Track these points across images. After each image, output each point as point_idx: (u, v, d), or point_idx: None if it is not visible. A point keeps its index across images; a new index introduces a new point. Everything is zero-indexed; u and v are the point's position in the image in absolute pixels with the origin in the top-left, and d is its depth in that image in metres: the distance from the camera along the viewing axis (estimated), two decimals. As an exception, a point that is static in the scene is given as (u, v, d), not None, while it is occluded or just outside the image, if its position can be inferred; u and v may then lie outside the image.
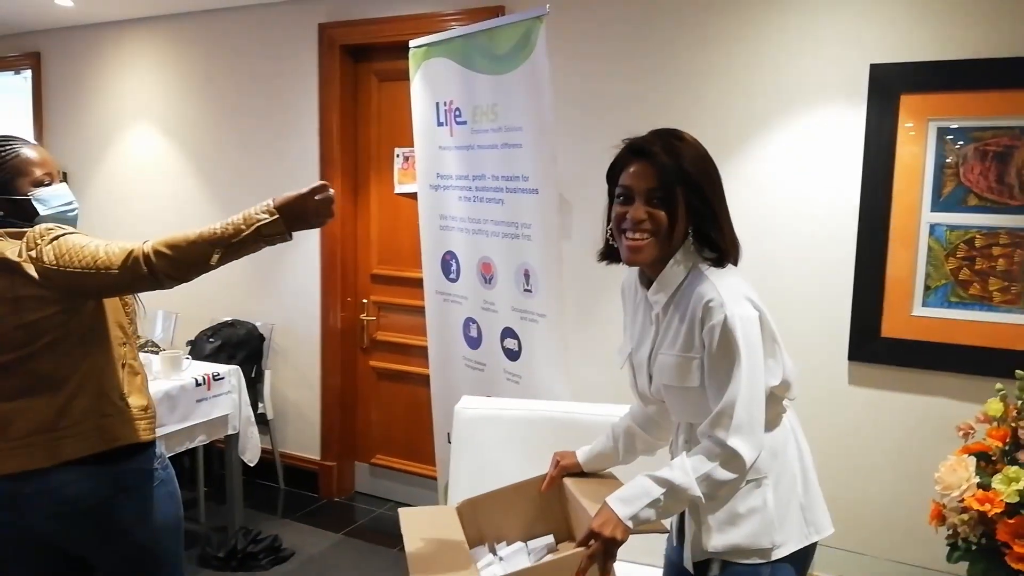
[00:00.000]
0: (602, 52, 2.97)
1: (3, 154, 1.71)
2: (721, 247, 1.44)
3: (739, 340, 1.35)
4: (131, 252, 1.58)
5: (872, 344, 2.59)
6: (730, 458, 1.35)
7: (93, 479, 1.66)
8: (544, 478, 1.75)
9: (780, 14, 2.66)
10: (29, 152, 1.74)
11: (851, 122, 2.58)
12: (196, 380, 2.96)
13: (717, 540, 1.45)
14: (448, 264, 3.05)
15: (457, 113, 2.84)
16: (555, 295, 2.59)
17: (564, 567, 1.40)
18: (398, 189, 3.60)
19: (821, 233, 2.66)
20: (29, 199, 1.71)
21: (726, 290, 1.39)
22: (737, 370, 1.35)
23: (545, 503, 1.75)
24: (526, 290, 2.68)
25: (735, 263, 1.47)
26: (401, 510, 1.76)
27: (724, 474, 1.36)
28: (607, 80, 2.96)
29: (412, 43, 2.97)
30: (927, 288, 2.53)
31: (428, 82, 2.95)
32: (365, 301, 3.80)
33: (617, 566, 2.06)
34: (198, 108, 4.07)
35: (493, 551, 1.73)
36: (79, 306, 1.66)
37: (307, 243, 3.78)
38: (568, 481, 1.70)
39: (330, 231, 3.70)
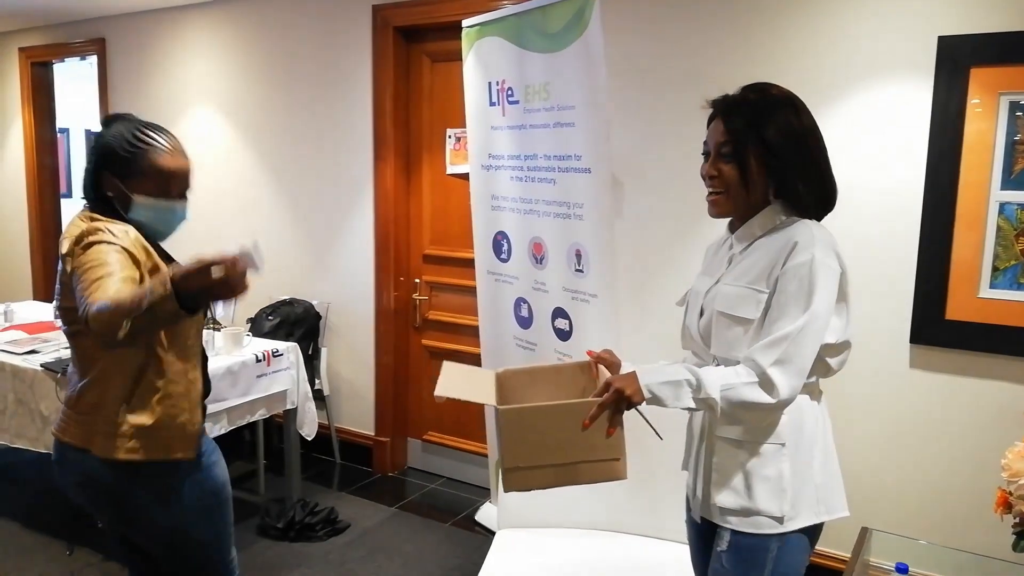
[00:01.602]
0: (657, 27, 2.92)
1: (142, 144, 1.69)
2: (805, 203, 1.45)
3: (817, 284, 1.36)
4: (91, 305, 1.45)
5: (936, 327, 2.52)
6: (763, 384, 1.36)
7: (107, 464, 1.66)
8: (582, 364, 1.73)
9: (843, -14, 2.58)
10: (167, 160, 1.71)
11: (917, 97, 2.49)
12: (256, 356, 3.04)
13: (726, 498, 1.47)
14: (499, 244, 3.06)
15: (509, 92, 2.84)
16: (607, 275, 2.58)
17: (577, 411, 1.43)
18: (450, 170, 3.62)
19: (884, 212, 2.58)
20: (140, 201, 1.68)
21: (820, 238, 1.40)
22: (804, 311, 1.36)
23: (582, 391, 1.71)
24: (577, 270, 2.67)
25: (822, 216, 1.48)
26: (445, 362, 1.81)
27: (750, 395, 1.36)
28: (662, 56, 2.91)
29: (465, 23, 2.97)
30: (995, 269, 2.44)
31: (481, 62, 2.94)
32: (417, 281, 3.85)
33: (640, 542, 2.08)
34: (255, 90, 4.15)
35: None
36: None
37: (361, 223, 3.83)
38: (604, 369, 1.67)
39: (383, 212, 3.75)
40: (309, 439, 3.37)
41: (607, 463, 1.45)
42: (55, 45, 5.06)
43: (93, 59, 4.91)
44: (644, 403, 1.41)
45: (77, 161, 7.80)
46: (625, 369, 1.69)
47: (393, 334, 3.85)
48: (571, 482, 1.47)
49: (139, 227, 1.69)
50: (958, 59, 2.40)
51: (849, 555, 2.07)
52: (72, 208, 6.89)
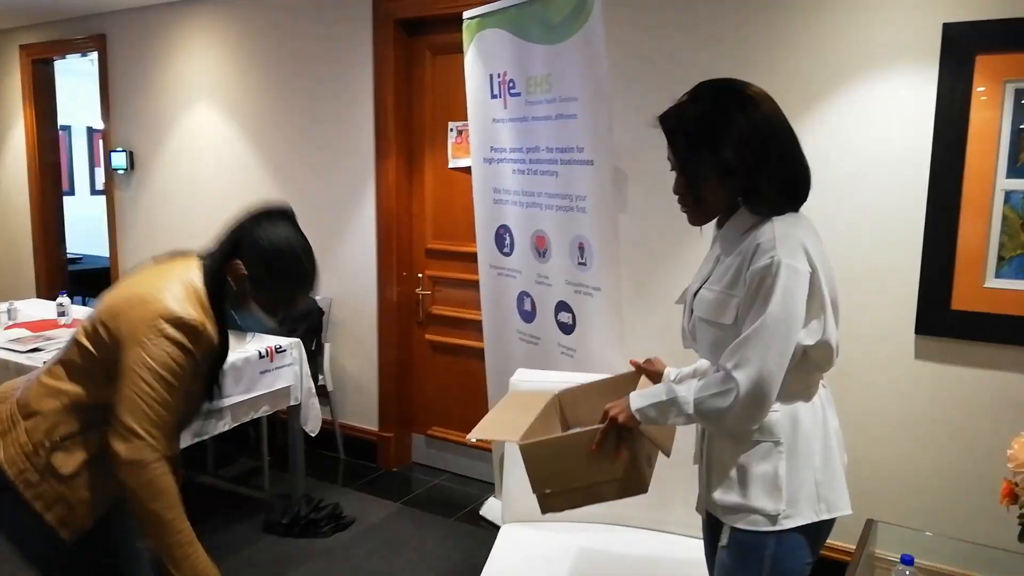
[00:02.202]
0: (661, 18, 2.90)
1: (298, 271, 1.62)
2: (774, 201, 1.42)
3: (777, 287, 1.35)
4: (140, 460, 1.45)
5: (941, 317, 2.50)
6: (727, 388, 1.37)
7: None
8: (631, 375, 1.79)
9: (846, -26, 2.56)
10: (303, 299, 1.68)
11: (922, 85, 2.47)
12: (260, 352, 3.04)
13: (721, 494, 1.49)
14: (502, 238, 3.05)
15: (511, 85, 2.82)
16: (610, 268, 2.57)
17: (584, 440, 1.54)
18: (452, 164, 3.61)
19: (888, 201, 2.57)
20: (251, 305, 1.61)
21: (784, 238, 1.37)
22: (763, 313, 1.35)
23: None
24: (580, 263, 2.66)
25: (795, 209, 1.45)
26: (513, 391, 1.93)
27: (719, 403, 1.38)
28: (666, 47, 2.90)
29: (466, 14, 2.96)
30: (1001, 259, 2.42)
31: (482, 54, 2.93)
32: (420, 275, 3.84)
33: (658, 537, 2.11)
34: (257, 86, 4.14)
35: None
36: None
37: (363, 219, 3.83)
38: (644, 380, 1.76)
39: (385, 206, 3.74)
40: (313, 435, 3.37)
41: (623, 482, 1.55)
42: (56, 42, 5.05)
43: (94, 56, 4.90)
44: (640, 425, 1.48)
45: (79, 158, 7.81)
46: (669, 375, 1.74)
47: (396, 329, 3.85)
48: (598, 501, 1.59)
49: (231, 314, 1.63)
50: (963, 46, 2.38)
51: (854, 547, 2.06)
52: (75, 207, 6.87)
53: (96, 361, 1.53)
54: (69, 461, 1.53)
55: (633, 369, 1.78)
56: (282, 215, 1.63)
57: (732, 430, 1.44)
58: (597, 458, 1.52)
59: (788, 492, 1.43)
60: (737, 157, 1.39)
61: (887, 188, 2.56)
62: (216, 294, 1.58)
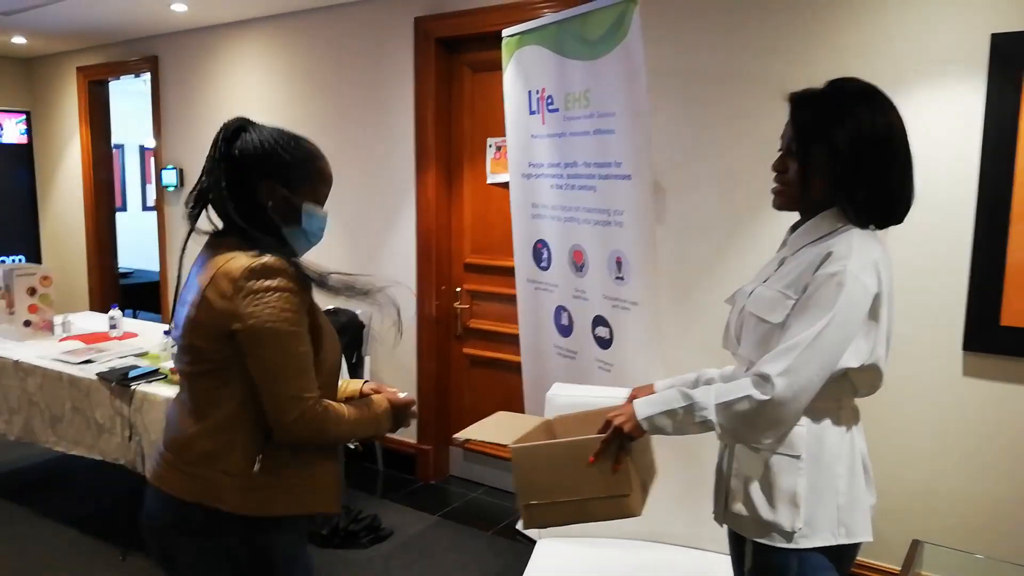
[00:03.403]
0: (699, 30, 2.90)
1: (304, 149, 1.55)
2: (865, 211, 1.39)
3: (841, 297, 1.31)
4: (308, 398, 1.42)
5: (990, 333, 2.44)
6: (761, 393, 1.31)
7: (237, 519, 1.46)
8: None
9: (889, -15, 2.52)
10: (327, 165, 1.60)
11: (969, 95, 2.42)
12: (300, 365, 3.08)
13: (740, 506, 1.45)
14: (539, 252, 3.06)
15: (549, 101, 2.84)
16: (648, 282, 2.56)
17: (583, 448, 1.45)
18: (491, 179, 3.64)
19: (935, 215, 2.51)
20: (304, 209, 1.51)
21: (860, 252, 1.34)
22: (821, 321, 1.31)
23: None
24: (618, 278, 2.66)
25: (883, 226, 1.42)
26: (499, 412, 1.86)
27: (746, 407, 1.33)
28: (704, 59, 2.89)
29: (505, 32, 2.99)
30: (1054, 274, 2.35)
31: (520, 71, 2.96)
32: (459, 290, 3.87)
33: (693, 554, 2.06)
34: (301, 103, 4.23)
35: None
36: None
37: (403, 233, 3.87)
38: None
39: (425, 221, 3.78)
40: (353, 447, 3.41)
41: (619, 499, 1.47)
42: (111, 64, 5.24)
43: (147, 76, 5.07)
44: (645, 435, 1.43)
45: (131, 176, 8.06)
46: (662, 386, 1.71)
47: (435, 343, 3.88)
48: (586, 518, 1.50)
49: (291, 243, 1.53)
50: (1013, 56, 2.33)
51: (899, 568, 2.01)
52: (127, 222, 7.08)
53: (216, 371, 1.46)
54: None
55: (628, 399, 1.72)
56: (244, 124, 1.53)
57: (752, 438, 1.39)
58: (593, 471, 1.44)
59: (807, 511, 1.39)
60: (852, 151, 1.36)
61: (934, 201, 2.51)
62: (270, 229, 1.48)
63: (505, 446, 1.56)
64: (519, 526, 1.55)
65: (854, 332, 1.34)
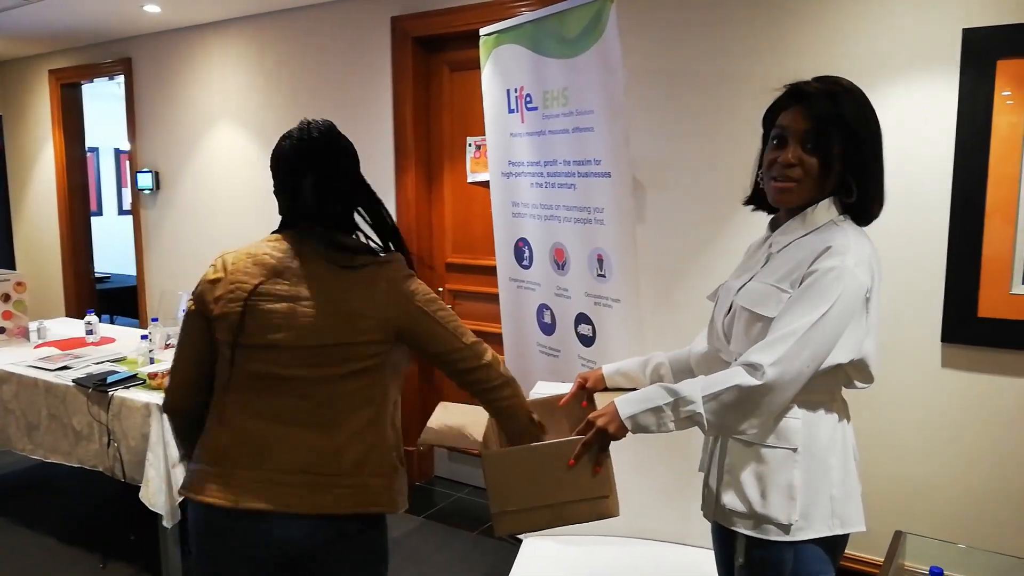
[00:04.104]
0: (676, 28, 2.91)
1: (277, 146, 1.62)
2: (864, 202, 1.40)
3: (836, 291, 1.31)
4: (487, 351, 1.54)
5: (968, 325, 2.47)
6: (751, 382, 1.30)
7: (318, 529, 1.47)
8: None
9: (863, -19, 2.55)
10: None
11: (943, 90, 2.45)
12: (281, 368, 3.06)
13: (733, 500, 1.43)
14: (521, 251, 3.06)
15: (528, 99, 2.84)
16: (629, 280, 2.56)
17: (561, 450, 1.41)
18: (471, 178, 3.63)
19: (911, 209, 2.54)
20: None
21: (857, 247, 1.35)
22: (817, 312, 1.31)
23: (580, 419, 1.71)
24: (599, 275, 2.66)
25: (868, 221, 1.44)
26: (440, 403, 1.81)
27: (734, 397, 1.31)
28: (682, 57, 2.90)
29: (482, 31, 2.99)
30: (1028, 265, 2.38)
31: (499, 69, 2.95)
32: (441, 290, 3.85)
33: (681, 550, 2.04)
34: (278, 104, 4.20)
35: None
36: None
37: (384, 233, 3.85)
38: (598, 396, 1.68)
39: (405, 221, 3.76)
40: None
41: (597, 501, 1.43)
42: (84, 66, 5.17)
43: (121, 79, 5.01)
44: (629, 435, 1.39)
45: (107, 179, 7.96)
46: (611, 371, 1.70)
47: (417, 343, 3.86)
48: (562, 522, 1.45)
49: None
50: (985, 51, 2.36)
51: (882, 559, 2.03)
52: (103, 226, 6.97)
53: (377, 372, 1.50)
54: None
55: (573, 386, 1.72)
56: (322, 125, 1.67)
57: (736, 427, 1.36)
58: (572, 474, 1.40)
59: (802, 503, 1.39)
60: (867, 138, 1.38)
61: (910, 196, 2.53)
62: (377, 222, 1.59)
63: (476, 452, 1.53)
64: (497, 532, 1.50)
65: (846, 326, 1.34)
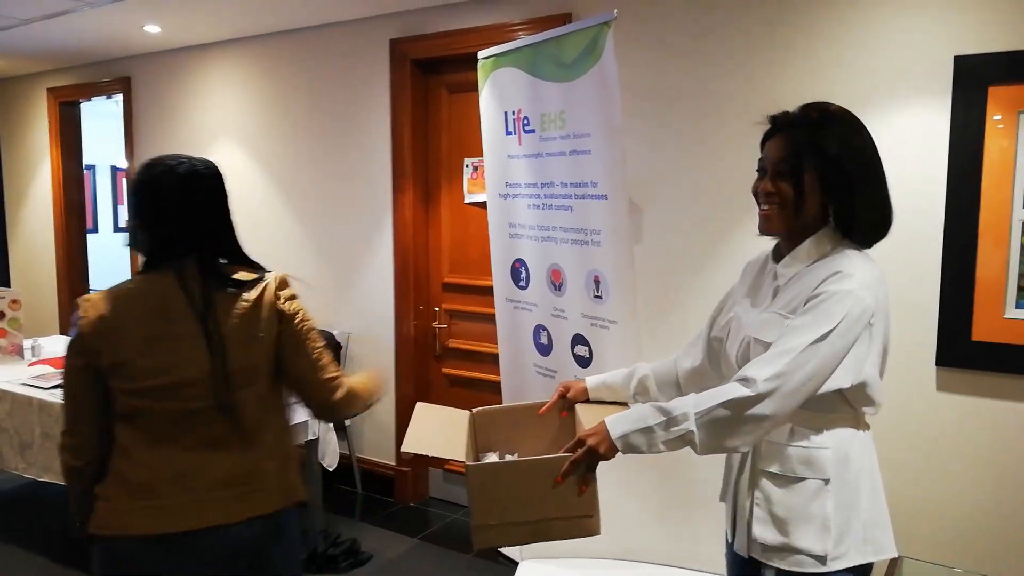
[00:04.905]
0: (672, 53, 2.94)
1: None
2: (861, 227, 1.40)
3: (843, 313, 1.31)
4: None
5: (962, 349, 2.48)
6: (748, 399, 1.28)
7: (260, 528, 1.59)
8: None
9: (857, 8, 2.58)
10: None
11: (935, 116, 2.48)
12: (277, 387, 3.05)
13: (766, 533, 1.41)
14: (518, 272, 3.07)
15: (525, 122, 2.86)
16: (626, 301, 2.57)
17: (549, 467, 1.39)
18: (468, 199, 3.65)
19: (905, 233, 2.55)
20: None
21: (863, 271, 1.36)
22: (817, 333, 1.30)
23: (559, 428, 1.71)
24: (596, 296, 2.67)
25: (870, 244, 1.44)
26: (418, 404, 1.81)
27: (728, 413, 1.29)
28: (678, 81, 2.93)
29: (480, 54, 3.01)
30: (1020, 289, 2.40)
31: (496, 92, 2.98)
32: (437, 309, 3.86)
33: (669, 572, 2.03)
34: (276, 124, 4.22)
35: (502, 459, 1.72)
36: None
37: (381, 253, 3.86)
38: (580, 407, 1.67)
39: (402, 241, 3.77)
40: (331, 470, 3.37)
41: (580, 519, 1.41)
42: (82, 85, 5.19)
43: (119, 97, 5.03)
44: (619, 455, 1.37)
45: (103, 197, 7.96)
46: (595, 383, 1.69)
47: (414, 363, 3.86)
48: (543, 539, 1.44)
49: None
50: (977, 78, 2.39)
51: (880, 584, 2.02)
52: (99, 244, 6.98)
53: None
54: None
55: (555, 394, 1.71)
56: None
57: (726, 445, 1.34)
58: (557, 491, 1.38)
59: (836, 532, 1.36)
60: (846, 163, 1.38)
61: (903, 220, 2.52)
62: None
63: (460, 463, 1.50)
64: (476, 546, 1.47)
65: (848, 349, 1.33)
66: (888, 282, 2.57)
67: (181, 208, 1.56)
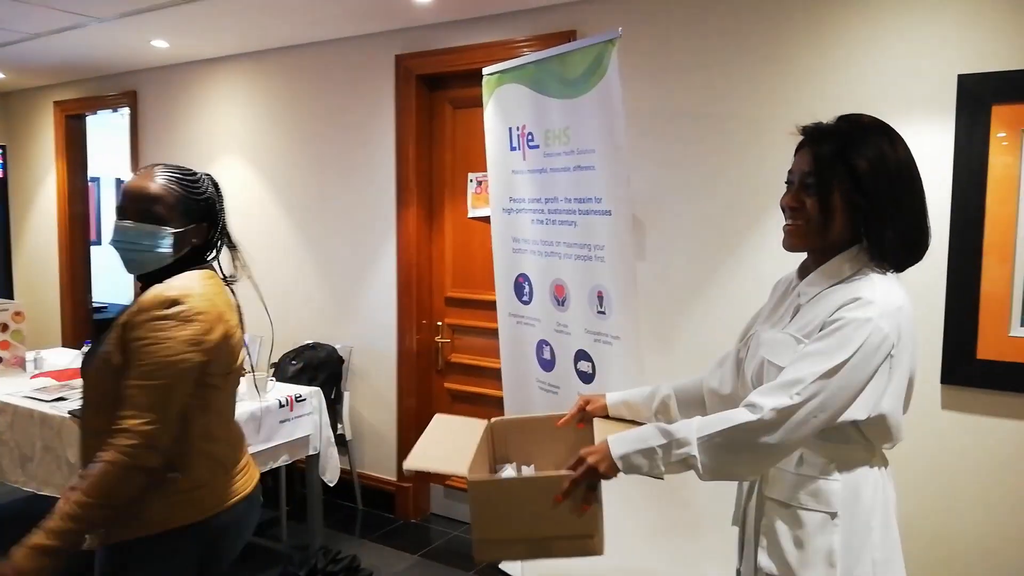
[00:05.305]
0: (676, 72, 2.95)
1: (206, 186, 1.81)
2: (891, 248, 1.32)
3: (856, 345, 1.24)
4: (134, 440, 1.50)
5: (967, 367, 2.47)
6: (753, 426, 1.24)
7: None
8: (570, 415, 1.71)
9: (860, 27, 2.60)
10: None
11: (939, 134, 2.48)
12: (280, 401, 3.05)
13: (770, 563, 1.36)
14: (521, 287, 3.06)
15: (530, 137, 2.87)
16: (630, 316, 2.57)
17: (549, 485, 1.37)
18: (472, 213, 3.65)
19: (908, 251, 2.56)
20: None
21: (886, 299, 1.29)
22: (832, 362, 1.24)
23: (576, 441, 1.67)
24: (599, 312, 2.66)
25: (901, 268, 1.37)
26: (436, 415, 1.81)
27: (734, 436, 1.25)
28: (682, 99, 2.94)
29: (485, 70, 3.03)
30: (1026, 307, 2.39)
31: (501, 108, 2.99)
32: (440, 324, 3.85)
33: None
34: (282, 139, 4.24)
35: (519, 471, 1.71)
36: None
37: (384, 267, 3.86)
38: (597, 422, 1.65)
39: (405, 255, 3.78)
40: (331, 485, 3.35)
41: (582, 539, 1.38)
42: (89, 98, 5.22)
43: (125, 110, 5.05)
44: (620, 475, 1.34)
45: (107, 209, 7.98)
46: (615, 400, 1.65)
47: (416, 377, 3.85)
48: (543, 556, 1.43)
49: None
50: (979, 97, 2.40)
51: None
52: (102, 256, 7.00)
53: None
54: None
55: (574, 406, 1.68)
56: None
57: (730, 473, 1.32)
58: (558, 509, 1.35)
59: (842, 569, 1.31)
60: (875, 180, 1.31)
61: (907, 236, 2.55)
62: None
63: (462, 477, 1.48)
64: (477, 558, 1.45)
65: (865, 380, 1.27)
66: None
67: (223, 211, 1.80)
